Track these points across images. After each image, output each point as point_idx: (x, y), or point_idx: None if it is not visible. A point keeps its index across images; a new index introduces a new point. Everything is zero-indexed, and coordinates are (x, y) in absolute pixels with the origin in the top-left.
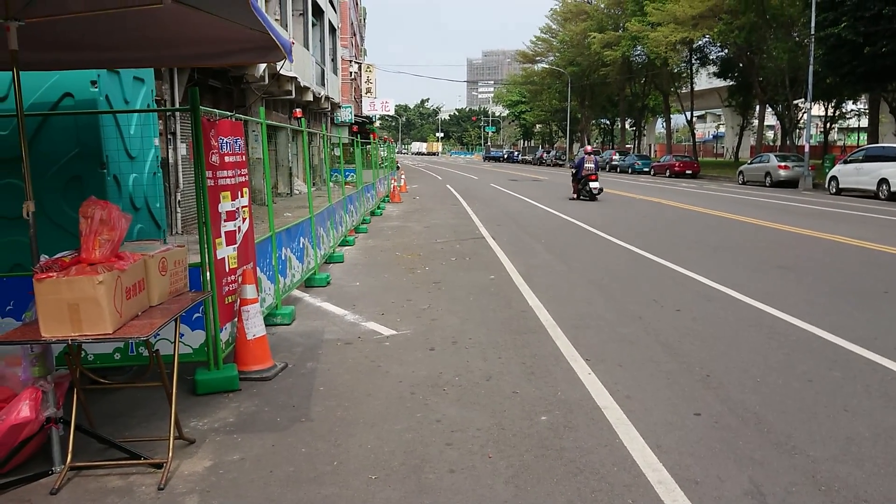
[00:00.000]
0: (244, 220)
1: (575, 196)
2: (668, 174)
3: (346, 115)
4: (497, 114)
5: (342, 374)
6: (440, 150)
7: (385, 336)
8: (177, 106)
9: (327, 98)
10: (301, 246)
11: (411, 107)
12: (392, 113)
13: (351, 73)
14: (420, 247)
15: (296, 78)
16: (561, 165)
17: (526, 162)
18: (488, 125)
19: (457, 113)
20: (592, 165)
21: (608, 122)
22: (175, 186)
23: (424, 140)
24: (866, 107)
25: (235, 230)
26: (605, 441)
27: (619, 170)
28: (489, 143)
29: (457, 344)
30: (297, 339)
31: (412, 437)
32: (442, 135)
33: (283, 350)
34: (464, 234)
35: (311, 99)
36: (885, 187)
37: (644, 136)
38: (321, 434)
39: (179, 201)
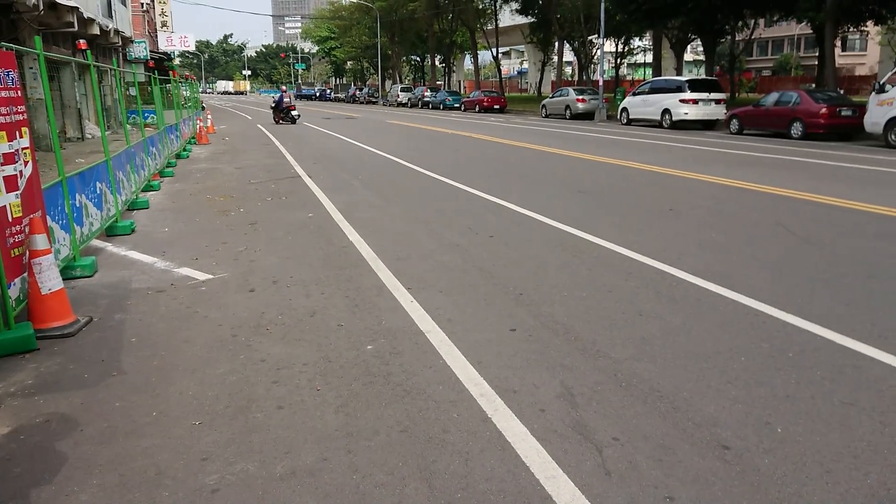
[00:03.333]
0: (26, 163)
1: (277, 122)
2: (477, 109)
3: (140, 50)
4: (307, 50)
5: (156, 324)
6: (248, 88)
7: (200, 281)
8: None
9: (117, 32)
10: (98, 192)
11: (214, 43)
12: (193, 49)
13: (143, 4)
14: (233, 188)
15: (77, 8)
16: (374, 103)
17: (339, 100)
18: (298, 62)
19: (264, 49)
20: (289, 100)
21: (418, 58)
22: None
23: (230, 78)
24: (651, 43)
25: (16, 175)
26: (429, 363)
27: (431, 106)
28: (300, 81)
29: (278, 283)
30: (102, 290)
31: (237, 379)
32: (249, 73)
33: (86, 304)
34: (279, 174)
35: (98, 33)
36: (667, 117)
37: (454, 72)
38: (136, 386)
39: None
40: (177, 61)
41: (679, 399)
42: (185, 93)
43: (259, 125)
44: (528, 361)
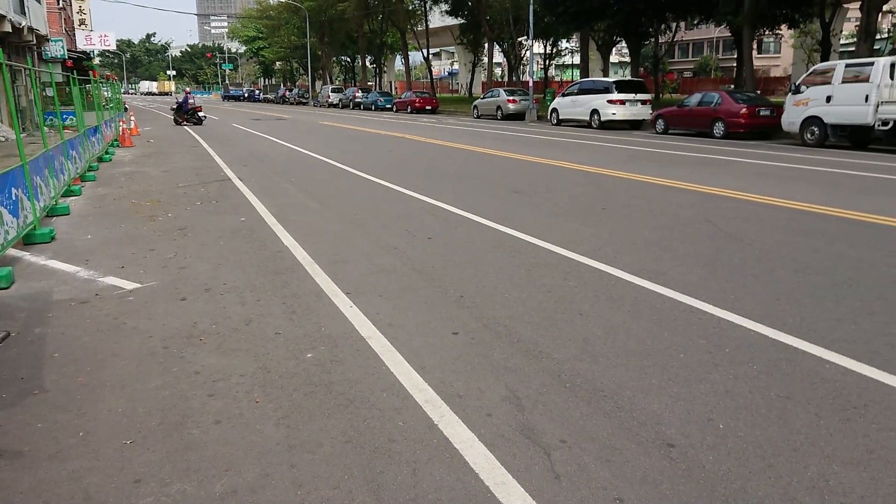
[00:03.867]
0: None
1: (181, 123)
2: (409, 110)
3: (56, 49)
4: (234, 50)
5: (80, 337)
6: (173, 89)
7: (128, 290)
8: None
9: (31, 29)
10: (14, 198)
11: (136, 42)
12: (114, 48)
13: (59, 0)
14: (160, 192)
15: None
16: (305, 104)
17: (268, 101)
18: (225, 62)
19: (189, 49)
20: (193, 101)
21: (349, 59)
22: None
23: (154, 79)
24: (578, 45)
25: None
26: (372, 370)
27: (362, 107)
28: (227, 82)
29: (210, 291)
30: (20, 303)
31: (170, 394)
32: (174, 73)
33: (2, 318)
34: (208, 177)
35: (10, 30)
36: (596, 117)
37: (385, 73)
38: (60, 405)
39: None
40: (97, 61)
41: (623, 398)
42: (106, 93)
43: (185, 126)
44: (472, 365)
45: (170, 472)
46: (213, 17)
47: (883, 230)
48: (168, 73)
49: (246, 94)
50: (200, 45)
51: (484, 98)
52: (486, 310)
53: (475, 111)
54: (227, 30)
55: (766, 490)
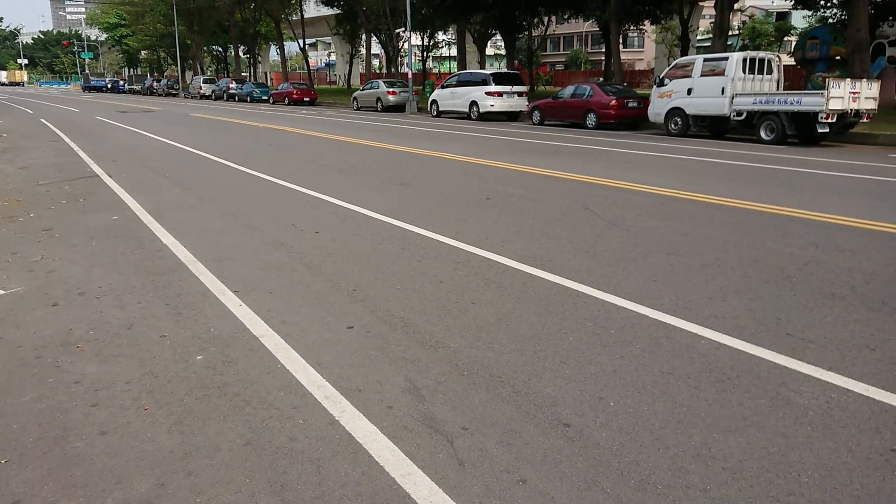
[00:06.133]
0: None
1: None
2: (287, 102)
3: None
4: (94, 38)
5: None
6: (25, 79)
7: None
8: None
9: None
10: None
11: None
12: None
13: None
14: (18, 191)
15: None
16: (175, 95)
17: (134, 92)
18: (84, 51)
19: (42, 36)
20: None
21: (221, 49)
22: None
23: (3, 68)
24: (455, 37)
25: None
26: (267, 369)
27: (237, 98)
28: (88, 72)
29: (85, 295)
30: None
31: (47, 407)
32: (26, 62)
33: None
34: (73, 174)
35: None
36: (475, 109)
37: (260, 63)
38: None
39: None
40: None
41: (519, 382)
42: None
43: (43, 120)
44: (370, 358)
45: (53, 490)
46: (67, 3)
47: (742, 213)
48: (19, 61)
49: (109, 85)
50: (55, 31)
51: (364, 90)
52: (380, 302)
53: (355, 103)
54: (84, 16)
55: (655, 461)
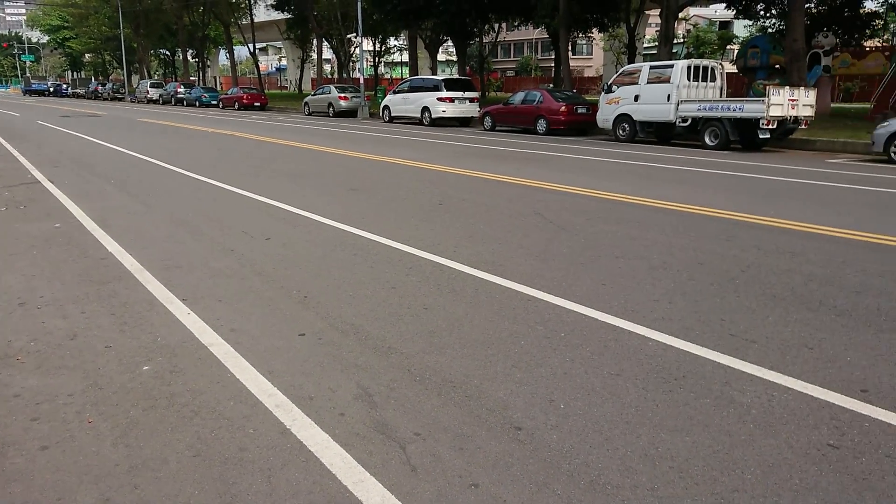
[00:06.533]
0: None
1: None
2: (237, 107)
3: None
4: (35, 40)
5: None
6: None
7: None
8: None
9: None
10: None
11: None
12: None
13: None
14: None
15: None
16: (121, 99)
17: (78, 96)
18: (25, 53)
19: None
20: None
21: (168, 52)
22: None
23: None
24: (407, 43)
25: None
26: (216, 378)
27: (185, 103)
28: (29, 75)
29: (25, 305)
30: None
31: None
32: None
33: None
34: (11, 180)
35: None
36: (427, 114)
37: (209, 67)
38: None
39: None
40: None
41: (471, 387)
42: None
43: None
44: (322, 365)
45: None
46: (7, 3)
47: (688, 217)
48: None
49: (52, 89)
50: None
51: (315, 95)
52: (331, 309)
53: (306, 108)
54: (25, 17)
55: (605, 462)
